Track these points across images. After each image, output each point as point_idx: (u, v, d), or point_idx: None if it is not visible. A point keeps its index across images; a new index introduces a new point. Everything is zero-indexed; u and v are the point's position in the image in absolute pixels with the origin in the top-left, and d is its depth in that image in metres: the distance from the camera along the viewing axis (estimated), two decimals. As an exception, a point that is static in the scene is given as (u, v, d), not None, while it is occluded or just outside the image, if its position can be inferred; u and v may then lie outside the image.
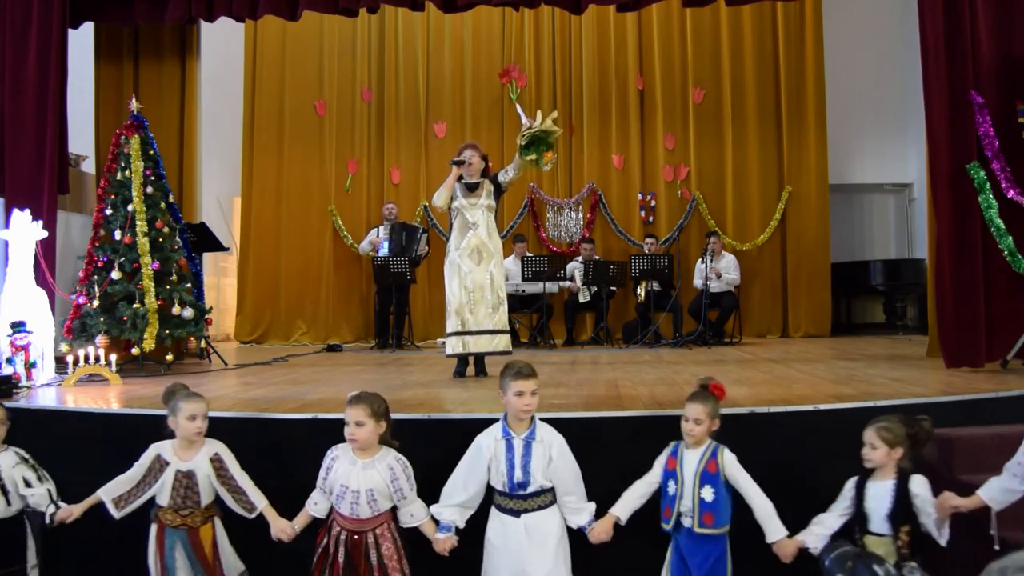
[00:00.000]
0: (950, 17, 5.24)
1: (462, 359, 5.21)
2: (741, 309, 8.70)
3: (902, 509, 2.82)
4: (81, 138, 7.35)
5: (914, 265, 9.56)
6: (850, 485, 2.96)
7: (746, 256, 9.29)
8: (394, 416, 3.54)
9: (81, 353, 5.21)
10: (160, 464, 3.10)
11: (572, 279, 8.79)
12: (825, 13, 9.54)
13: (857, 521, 2.90)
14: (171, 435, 3.15)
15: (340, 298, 9.55)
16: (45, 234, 5.60)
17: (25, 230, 5.38)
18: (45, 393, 4.66)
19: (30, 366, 4.99)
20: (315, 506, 3.10)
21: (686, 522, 2.94)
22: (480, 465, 3.02)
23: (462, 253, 5.07)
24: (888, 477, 2.87)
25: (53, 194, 6.12)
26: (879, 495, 2.86)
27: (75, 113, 6.65)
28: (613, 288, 8.81)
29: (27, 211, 5.46)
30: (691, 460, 3.00)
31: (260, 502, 3.12)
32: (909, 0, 5.90)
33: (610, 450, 3.12)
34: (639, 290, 8.62)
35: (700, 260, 8.45)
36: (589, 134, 9.67)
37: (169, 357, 6.04)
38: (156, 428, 3.41)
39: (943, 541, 2.77)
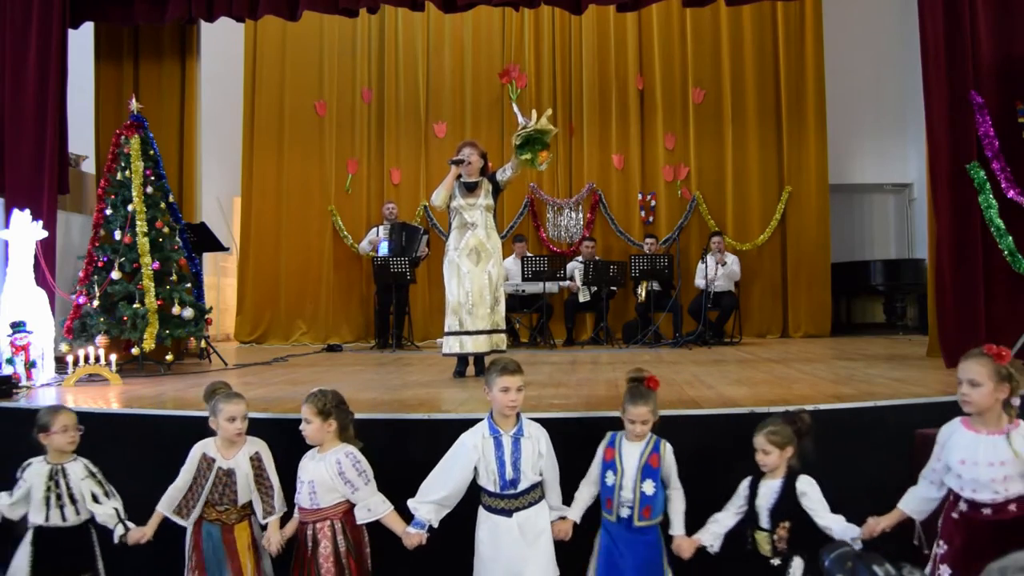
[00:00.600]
0: (950, 17, 5.25)
1: (462, 359, 5.22)
2: (741, 309, 8.70)
3: (785, 505, 2.90)
4: (81, 138, 7.35)
5: (914, 265, 9.56)
6: (745, 484, 3.03)
7: (746, 256, 9.29)
8: (394, 416, 3.55)
9: (81, 353, 5.21)
10: (207, 462, 3.12)
11: (572, 279, 8.79)
12: (825, 13, 9.54)
13: (750, 518, 2.98)
14: (211, 433, 3.18)
15: (340, 298, 9.55)
16: (45, 234, 5.61)
17: (25, 230, 5.39)
18: (45, 393, 4.66)
19: (30, 366, 4.99)
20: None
21: (624, 513, 2.96)
22: (464, 464, 2.99)
23: (461, 253, 5.07)
24: (778, 476, 2.96)
25: (53, 194, 6.13)
26: (767, 493, 2.95)
27: (75, 113, 6.66)
28: (613, 288, 8.81)
29: (27, 211, 5.46)
30: (632, 453, 3.01)
31: (281, 508, 3.15)
32: (909, 0, 5.91)
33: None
34: (639, 290, 8.62)
35: (701, 260, 8.45)
36: (589, 134, 9.67)
37: (169, 357, 6.05)
38: (156, 428, 3.43)
39: (853, 539, 2.81)
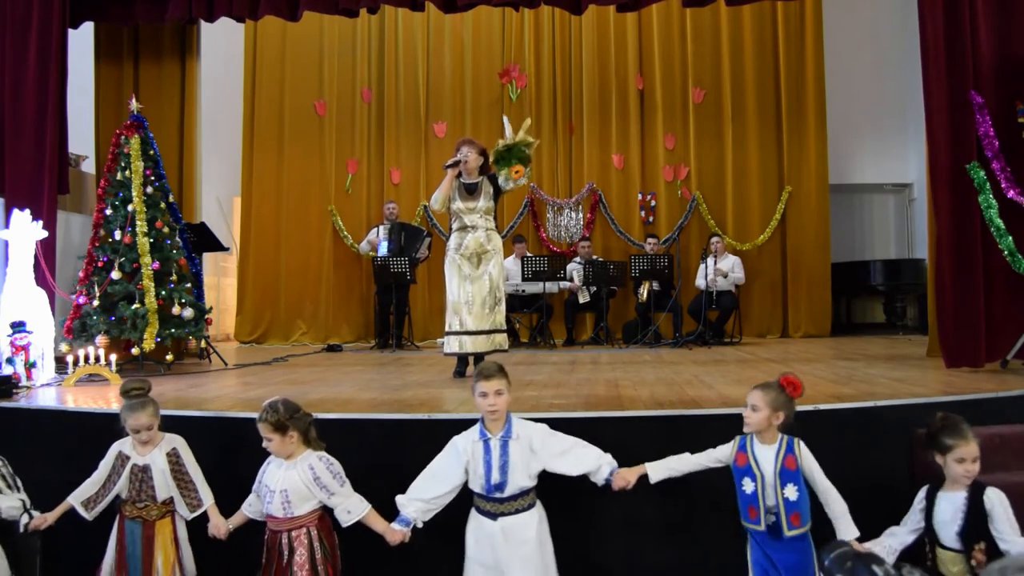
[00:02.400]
0: (950, 17, 5.24)
1: (462, 359, 5.21)
2: (741, 309, 8.70)
3: (976, 524, 2.67)
4: (81, 138, 7.35)
5: (914, 265, 9.56)
6: (921, 496, 2.83)
7: (746, 256, 9.28)
8: (394, 416, 3.54)
9: (81, 353, 5.21)
10: (122, 460, 3.16)
11: (572, 280, 8.79)
12: (825, 13, 9.54)
13: (927, 535, 2.78)
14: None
15: (340, 298, 9.55)
16: (45, 234, 5.61)
17: (25, 230, 5.39)
18: (45, 393, 4.66)
19: (30, 366, 4.99)
20: (248, 507, 3.12)
21: (771, 521, 2.81)
22: (454, 466, 2.99)
23: (461, 255, 5.07)
24: (959, 488, 2.74)
25: (53, 194, 6.13)
26: (950, 508, 2.73)
27: (75, 113, 6.65)
28: (613, 288, 8.81)
29: (27, 211, 5.46)
30: (767, 457, 2.87)
31: (207, 499, 3.16)
32: (909, 0, 5.90)
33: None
34: (640, 290, 8.61)
35: (702, 260, 8.45)
36: (589, 134, 9.67)
37: (169, 357, 6.05)
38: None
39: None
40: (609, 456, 3.04)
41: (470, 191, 5.12)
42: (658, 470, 3.01)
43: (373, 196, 9.68)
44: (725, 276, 8.38)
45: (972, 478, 2.71)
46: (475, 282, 5.05)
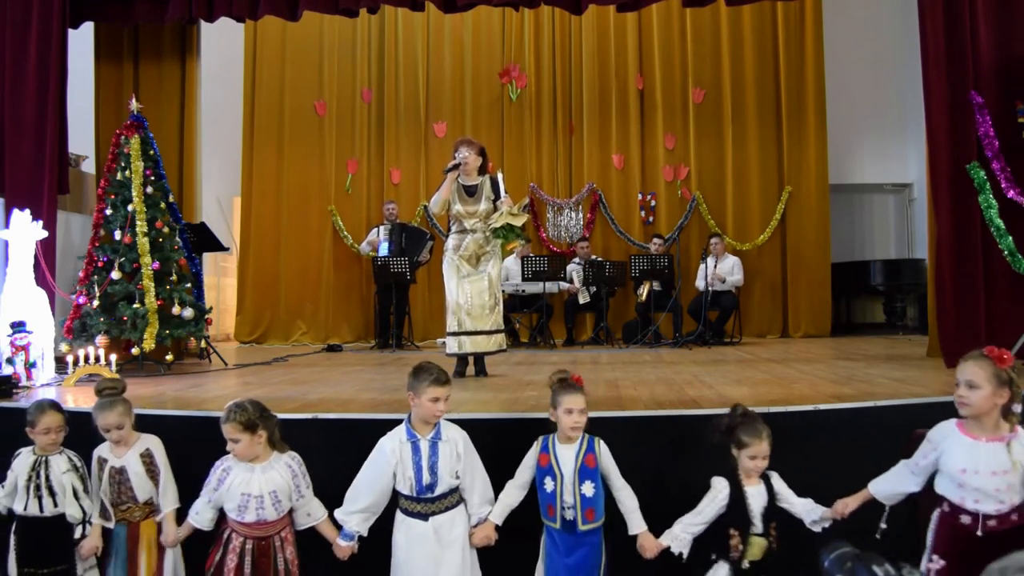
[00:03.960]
0: (950, 17, 5.25)
1: (462, 359, 5.22)
2: (741, 309, 8.70)
3: (771, 509, 2.87)
4: (81, 138, 7.35)
5: (914, 265, 9.56)
6: (723, 492, 2.92)
7: (746, 256, 9.29)
8: (394, 416, 3.53)
9: (81, 353, 5.21)
10: (100, 464, 3.16)
11: (571, 282, 8.79)
12: (825, 13, 9.53)
13: (731, 523, 2.88)
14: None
15: (340, 298, 9.55)
16: (45, 234, 5.61)
17: (25, 230, 5.39)
18: (45, 393, 4.64)
19: (30, 366, 4.99)
20: (196, 516, 3.03)
21: (569, 516, 2.91)
22: (384, 469, 2.97)
23: (460, 257, 5.08)
24: (758, 480, 2.91)
25: (53, 194, 6.13)
26: (759, 496, 2.89)
27: (75, 113, 6.66)
28: (613, 288, 8.81)
29: (27, 211, 5.46)
30: (567, 456, 2.96)
31: (168, 506, 3.15)
32: (909, 0, 5.90)
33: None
34: (640, 290, 8.61)
35: (702, 261, 8.45)
36: (589, 134, 9.67)
37: (169, 357, 6.04)
38: (156, 428, 3.42)
39: (822, 520, 2.86)
40: (488, 509, 3.01)
41: (470, 193, 5.11)
42: (500, 516, 3.01)
43: (373, 196, 9.68)
44: (723, 281, 8.39)
45: (760, 472, 2.91)
46: (474, 282, 5.06)
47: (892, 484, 2.82)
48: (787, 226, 9.48)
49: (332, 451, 3.45)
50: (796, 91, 9.48)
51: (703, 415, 3.56)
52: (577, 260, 8.93)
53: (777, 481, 2.93)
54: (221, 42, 8.92)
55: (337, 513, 3.00)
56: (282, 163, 9.61)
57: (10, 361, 4.94)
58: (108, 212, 6.06)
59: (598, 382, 4.84)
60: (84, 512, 3.16)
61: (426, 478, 2.92)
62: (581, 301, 8.77)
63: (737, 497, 2.87)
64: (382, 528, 3.02)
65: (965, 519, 2.58)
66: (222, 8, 6.73)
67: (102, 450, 3.19)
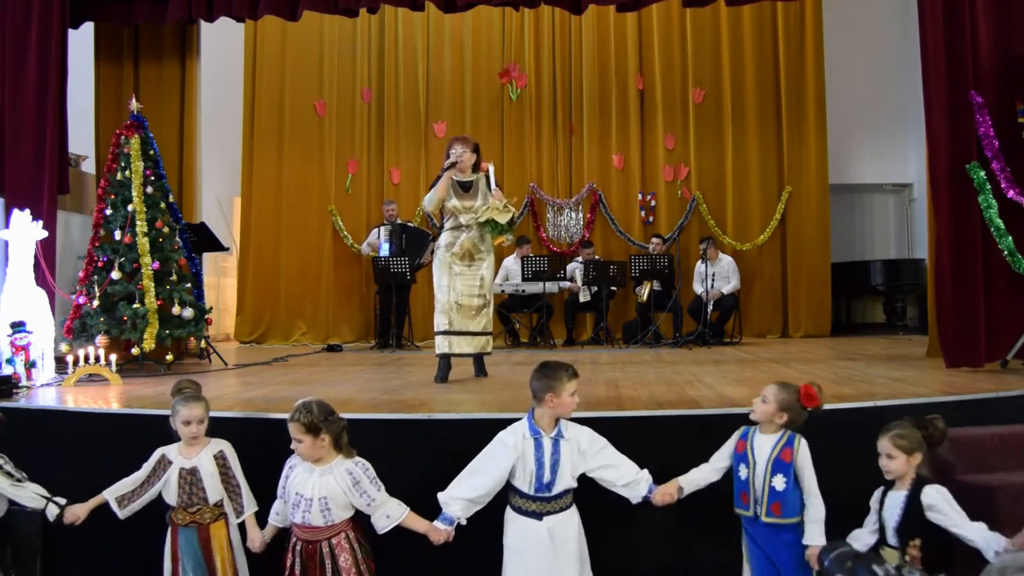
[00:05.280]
0: (950, 17, 5.24)
1: (445, 364, 5.06)
2: (741, 309, 8.70)
3: (913, 520, 2.74)
4: (81, 138, 7.34)
5: (914, 265, 9.56)
6: (876, 496, 2.90)
7: (746, 256, 9.29)
8: (394, 416, 3.54)
9: (81, 353, 5.21)
10: (164, 464, 3.13)
11: (572, 279, 8.79)
12: (825, 13, 9.53)
13: (880, 532, 2.86)
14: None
15: (340, 298, 9.55)
16: (45, 234, 5.61)
17: (25, 230, 5.39)
18: (45, 393, 4.66)
19: (30, 366, 4.99)
20: (276, 516, 3.07)
21: (758, 510, 2.89)
22: (502, 463, 2.93)
23: (453, 256, 4.97)
24: (904, 487, 2.81)
25: (53, 194, 6.13)
26: (893, 506, 2.81)
27: (75, 113, 6.65)
28: (613, 288, 8.81)
29: (27, 211, 5.46)
30: (763, 445, 2.93)
31: (250, 508, 3.13)
32: (909, 1, 5.90)
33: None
34: (641, 290, 8.60)
35: (700, 261, 8.44)
36: (589, 134, 9.67)
37: (169, 357, 6.05)
38: (155, 428, 3.42)
39: (990, 555, 2.64)
40: (646, 472, 3.03)
41: (465, 189, 5.02)
42: (689, 484, 3.02)
43: (373, 196, 9.67)
44: (721, 296, 8.38)
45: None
46: (466, 280, 4.96)
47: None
48: (787, 226, 9.47)
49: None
50: (796, 91, 9.47)
51: (703, 415, 3.57)
52: (579, 259, 8.93)
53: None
54: (221, 42, 8.91)
55: (441, 495, 2.94)
56: (282, 163, 9.61)
57: (10, 361, 4.94)
58: (108, 212, 6.06)
59: (598, 382, 4.84)
60: (38, 494, 3.11)
61: (546, 476, 2.90)
62: (582, 299, 8.77)
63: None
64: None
65: None
66: (222, 8, 6.72)
67: (168, 451, 3.15)
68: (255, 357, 7.38)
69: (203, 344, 6.70)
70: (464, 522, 2.95)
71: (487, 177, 5.04)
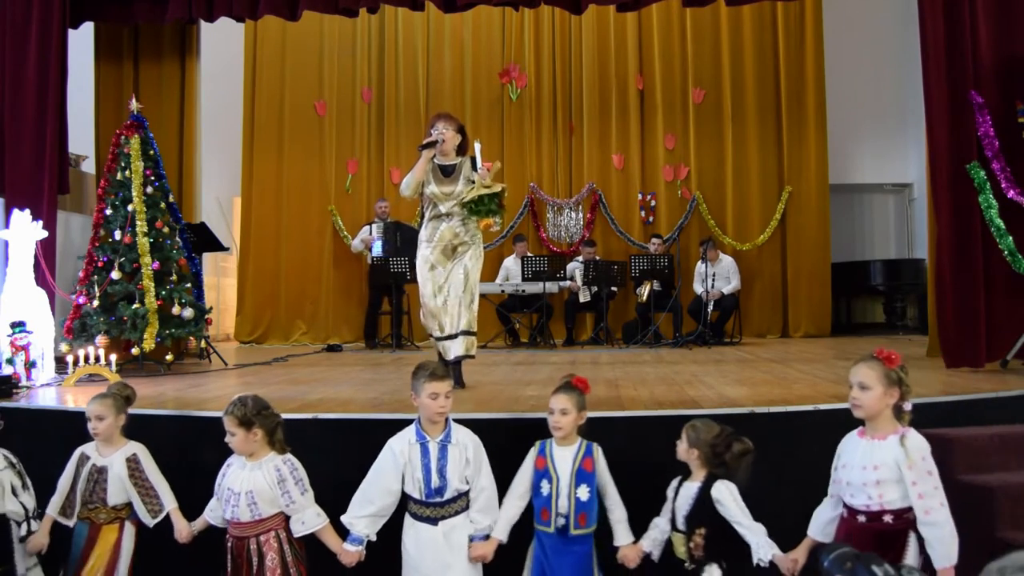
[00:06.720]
0: (950, 17, 5.24)
1: (455, 370, 4.59)
2: (741, 309, 8.70)
3: (702, 511, 2.80)
4: (81, 138, 7.34)
5: (914, 265, 9.56)
6: (672, 485, 2.95)
7: (746, 256, 9.29)
8: (394, 416, 3.53)
9: (81, 353, 5.21)
10: (83, 461, 3.17)
11: (572, 279, 8.79)
12: (825, 13, 9.53)
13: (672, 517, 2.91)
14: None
15: (340, 298, 9.55)
16: (45, 234, 5.61)
17: (25, 230, 5.39)
18: (45, 393, 4.66)
19: (30, 366, 4.99)
20: (210, 512, 3.06)
21: (560, 523, 2.87)
22: (392, 471, 2.90)
23: (434, 248, 4.54)
24: (698, 479, 2.87)
25: (53, 194, 6.13)
26: (686, 496, 2.87)
27: (75, 113, 6.65)
28: (613, 288, 8.81)
29: (27, 211, 5.46)
30: (564, 458, 2.93)
31: (169, 504, 3.14)
32: (909, 1, 5.90)
33: (610, 450, 3.11)
34: (640, 290, 8.60)
35: (700, 261, 8.44)
36: (589, 134, 9.67)
37: (169, 357, 6.04)
38: (156, 428, 3.42)
39: (765, 560, 2.71)
40: (489, 521, 2.94)
41: (447, 173, 4.55)
42: (503, 532, 2.94)
43: (373, 196, 9.66)
44: (720, 297, 8.38)
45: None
46: (450, 277, 4.51)
47: (819, 519, 2.79)
48: (787, 226, 9.48)
49: (332, 451, 3.45)
50: (796, 91, 9.48)
51: (703, 415, 3.56)
52: (579, 258, 8.93)
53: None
54: (221, 42, 8.91)
55: (344, 518, 2.93)
56: (282, 163, 9.61)
57: (10, 361, 4.94)
58: (108, 212, 6.06)
59: (598, 382, 4.83)
60: (25, 509, 3.12)
61: (435, 481, 2.86)
62: (582, 299, 8.77)
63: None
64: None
65: (843, 511, 2.68)
66: (222, 8, 6.72)
67: (87, 448, 3.19)
68: (255, 357, 7.38)
69: (203, 344, 6.70)
70: (374, 538, 2.92)
71: (472, 160, 4.58)
